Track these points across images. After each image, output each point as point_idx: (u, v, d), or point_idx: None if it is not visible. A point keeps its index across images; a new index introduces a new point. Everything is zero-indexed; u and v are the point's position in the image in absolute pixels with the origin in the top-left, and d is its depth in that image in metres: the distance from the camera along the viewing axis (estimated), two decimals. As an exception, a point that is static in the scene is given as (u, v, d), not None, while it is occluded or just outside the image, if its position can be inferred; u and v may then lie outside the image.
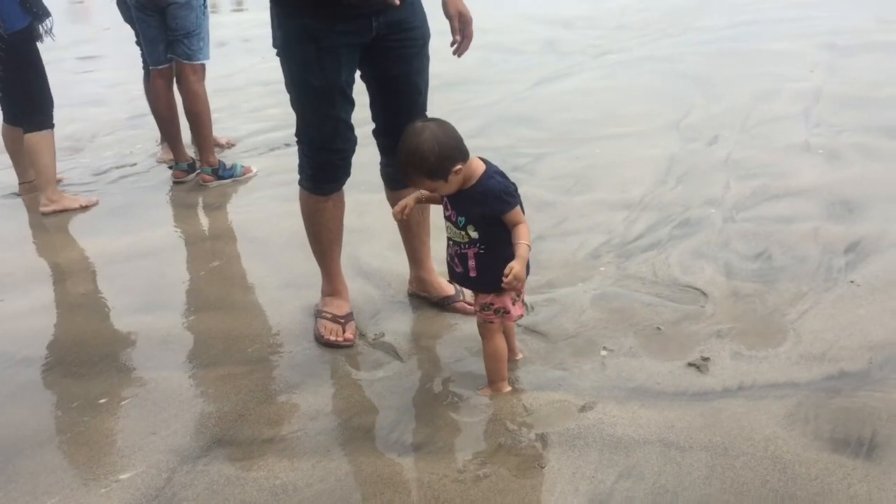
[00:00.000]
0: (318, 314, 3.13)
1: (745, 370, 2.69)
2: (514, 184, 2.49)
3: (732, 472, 2.22)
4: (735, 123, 5.32)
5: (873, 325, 2.88)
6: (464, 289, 3.13)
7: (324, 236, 3.08)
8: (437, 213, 2.85)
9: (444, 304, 3.22)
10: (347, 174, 3.00)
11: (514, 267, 2.35)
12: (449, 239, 2.60)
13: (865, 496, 2.10)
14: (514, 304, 2.59)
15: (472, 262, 2.54)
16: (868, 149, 4.63)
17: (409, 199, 2.65)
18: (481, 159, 2.50)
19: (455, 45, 2.97)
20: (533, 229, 3.77)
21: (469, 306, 3.08)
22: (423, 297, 3.29)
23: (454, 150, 2.40)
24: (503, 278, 2.35)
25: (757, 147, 4.85)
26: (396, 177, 3.08)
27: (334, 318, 3.08)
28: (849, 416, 2.41)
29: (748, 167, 4.52)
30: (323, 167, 2.94)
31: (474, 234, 2.50)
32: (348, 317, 3.12)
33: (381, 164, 3.14)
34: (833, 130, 5.01)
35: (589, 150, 5.07)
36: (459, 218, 2.49)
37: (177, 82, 4.97)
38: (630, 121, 5.61)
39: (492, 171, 2.48)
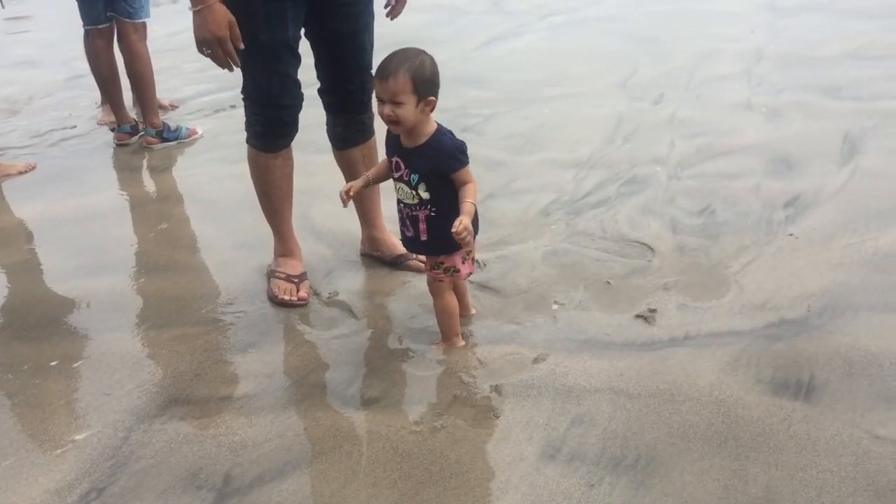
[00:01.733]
0: (272, 274, 3.13)
1: (690, 320, 2.78)
2: (463, 142, 2.51)
3: (679, 417, 2.31)
4: (679, 83, 5.41)
5: (811, 275, 2.99)
6: None
7: (274, 195, 3.06)
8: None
9: (397, 263, 3.24)
10: (296, 130, 2.98)
11: (463, 220, 2.35)
12: (399, 201, 2.59)
13: (804, 435, 2.20)
14: (463, 263, 2.62)
15: (422, 226, 2.54)
16: (807, 107, 4.76)
17: (357, 182, 2.65)
18: None
19: (389, 8, 3.00)
20: (484, 188, 3.83)
21: (422, 264, 3.11)
22: (375, 257, 3.30)
23: (438, 86, 2.43)
24: (453, 232, 2.34)
25: (701, 106, 4.95)
26: (345, 136, 3.09)
27: (288, 278, 3.08)
28: (788, 361, 2.52)
29: (692, 126, 4.61)
30: (271, 124, 2.91)
31: (425, 195, 2.49)
32: (302, 276, 3.12)
33: (327, 123, 3.13)
34: (774, 89, 5.13)
35: (538, 110, 5.11)
36: (413, 176, 2.49)
37: (118, 42, 4.84)
38: (578, 81, 5.66)
39: (444, 129, 2.50)
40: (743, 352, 2.58)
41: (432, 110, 2.45)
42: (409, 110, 2.38)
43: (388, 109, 2.38)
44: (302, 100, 2.92)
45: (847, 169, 3.87)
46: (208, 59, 2.66)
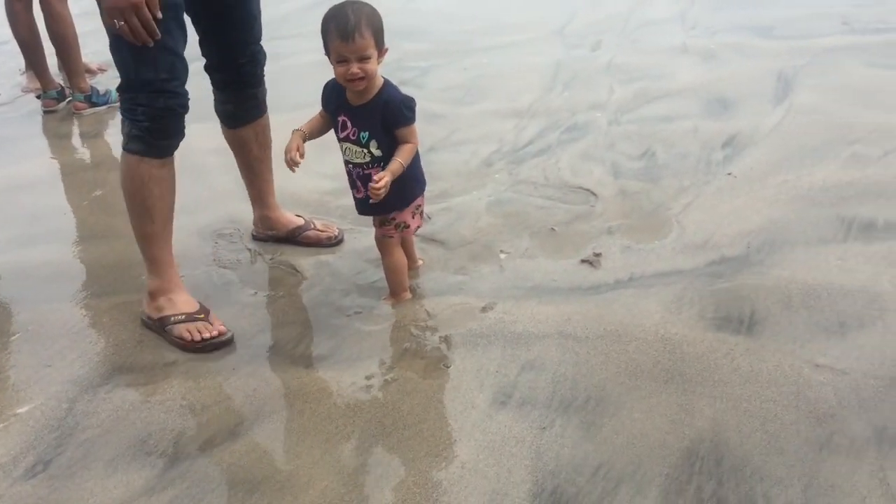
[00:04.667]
0: (165, 322, 2.57)
1: (634, 262, 2.81)
2: (412, 98, 2.46)
3: (626, 356, 2.35)
4: (616, 28, 5.42)
5: (750, 212, 3.05)
6: (313, 219, 3.12)
7: (158, 213, 2.53)
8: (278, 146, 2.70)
9: (294, 238, 3.07)
10: (184, 132, 2.53)
11: (384, 178, 2.34)
12: (348, 163, 2.52)
13: (747, 368, 2.26)
14: (413, 217, 2.60)
15: None
16: (741, 47, 4.81)
17: (296, 141, 2.45)
18: None
19: None
20: (425, 141, 3.80)
21: (322, 233, 3.06)
22: (270, 236, 3.11)
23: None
24: (371, 185, 2.35)
25: (637, 51, 4.97)
26: (236, 113, 2.87)
27: (190, 317, 2.57)
28: (730, 297, 2.57)
29: (630, 71, 4.63)
30: (162, 117, 2.43)
31: (377, 152, 2.43)
32: (204, 310, 2.62)
33: (216, 101, 2.87)
34: (708, 31, 5.17)
35: (476, 61, 5.07)
36: (362, 134, 2.43)
37: (39, 2, 4.63)
38: (515, 29, 5.62)
39: (390, 83, 2.45)
40: (686, 290, 2.62)
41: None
42: (374, 64, 2.34)
43: (355, 68, 2.31)
44: (187, 92, 2.51)
45: (781, 108, 3.94)
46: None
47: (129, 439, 2.19)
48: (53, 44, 4.72)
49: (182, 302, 2.61)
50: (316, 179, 3.54)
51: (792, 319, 2.45)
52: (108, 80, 5.24)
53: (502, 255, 2.91)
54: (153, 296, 2.62)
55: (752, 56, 4.67)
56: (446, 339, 2.49)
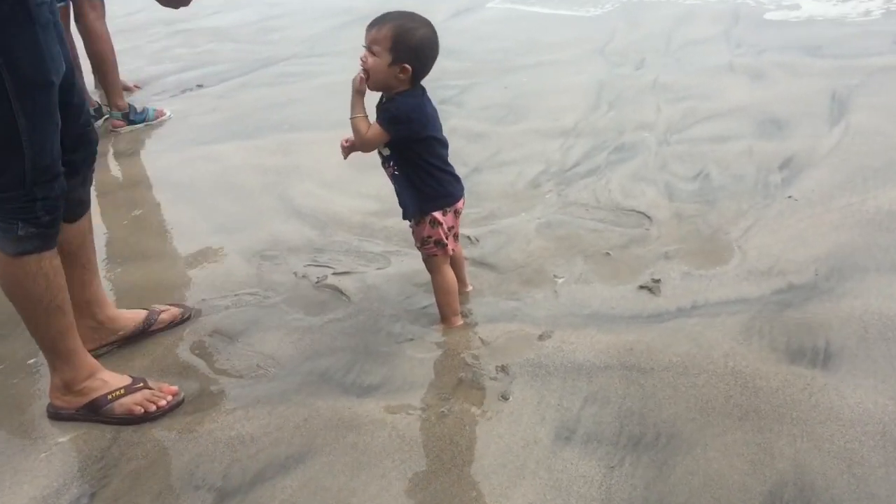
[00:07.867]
0: (100, 404, 2.28)
1: (696, 289, 2.69)
2: (407, 117, 2.34)
3: (696, 390, 2.22)
4: (658, 47, 5.32)
5: (815, 237, 2.92)
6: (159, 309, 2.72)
7: (67, 303, 2.22)
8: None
9: (148, 329, 2.67)
10: None
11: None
12: None
13: (827, 405, 2.12)
14: (447, 238, 2.51)
15: (395, 186, 2.50)
16: (790, 66, 4.69)
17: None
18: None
19: None
20: (468, 161, 3.74)
21: (171, 309, 2.74)
22: (113, 344, 2.61)
23: (425, 61, 2.34)
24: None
25: (682, 70, 4.86)
26: (83, 199, 2.39)
27: (130, 389, 2.31)
28: (801, 327, 2.44)
29: (676, 90, 4.52)
30: (58, 206, 2.12)
31: (385, 151, 2.44)
32: (140, 379, 2.36)
33: (69, 191, 2.20)
34: (754, 50, 5.06)
35: (517, 79, 4.98)
36: None
37: (75, 21, 4.61)
38: (554, 48, 5.54)
39: (415, 94, 2.37)
40: (754, 319, 2.49)
41: (410, 80, 2.34)
42: (379, 64, 2.29)
43: (364, 54, 2.32)
44: None
45: (838, 128, 3.81)
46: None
47: (176, 471, 2.09)
48: (91, 62, 4.70)
49: (111, 377, 2.33)
50: (359, 200, 3.46)
51: (870, 352, 2.32)
52: (145, 98, 5.22)
53: (559, 280, 2.80)
54: (69, 386, 2.28)
55: (802, 75, 4.55)
56: (503, 369, 2.38)
